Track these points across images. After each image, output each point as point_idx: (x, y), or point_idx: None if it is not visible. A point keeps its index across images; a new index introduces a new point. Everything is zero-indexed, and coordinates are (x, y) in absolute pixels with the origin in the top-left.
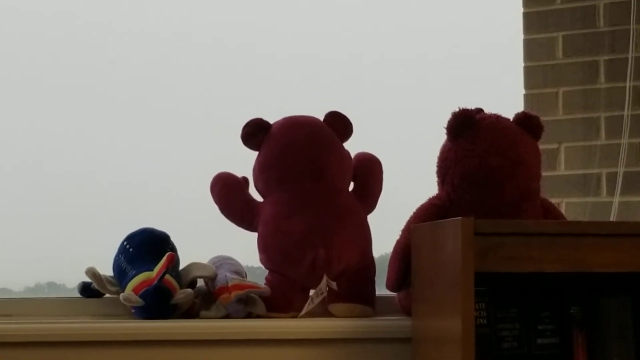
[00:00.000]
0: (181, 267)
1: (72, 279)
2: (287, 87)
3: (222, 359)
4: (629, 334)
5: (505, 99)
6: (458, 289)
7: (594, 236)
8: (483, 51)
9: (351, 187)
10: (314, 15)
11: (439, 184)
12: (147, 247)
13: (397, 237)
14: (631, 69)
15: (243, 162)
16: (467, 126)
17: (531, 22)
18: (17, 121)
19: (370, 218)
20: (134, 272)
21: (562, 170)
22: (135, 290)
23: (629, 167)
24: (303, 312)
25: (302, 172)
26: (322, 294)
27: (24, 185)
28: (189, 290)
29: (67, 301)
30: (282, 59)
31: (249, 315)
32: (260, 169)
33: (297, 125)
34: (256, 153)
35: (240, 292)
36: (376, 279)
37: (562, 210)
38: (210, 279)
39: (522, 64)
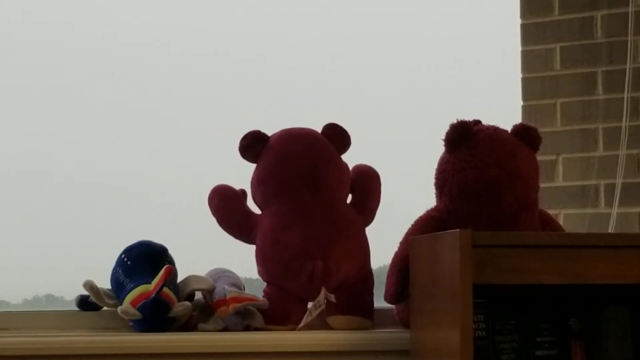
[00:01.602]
0: (179, 279)
1: (70, 291)
2: (285, 98)
3: None
4: (628, 345)
5: (503, 110)
6: (456, 301)
7: (592, 248)
8: (481, 62)
9: (349, 199)
10: (311, 24)
11: (437, 196)
12: (145, 260)
13: (396, 249)
14: (629, 80)
15: (241, 175)
16: (465, 138)
17: (529, 33)
18: (14, 132)
19: (369, 230)
20: (131, 285)
21: (560, 182)
22: (133, 303)
23: (627, 178)
24: (301, 324)
25: (300, 184)
26: (320, 306)
27: (21, 197)
28: (187, 303)
29: (64, 314)
30: (281, 69)
31: (247, 328)
32: (258, 181)
33: (295, 138)
34: (254, 165)
35: (238, 304)
36: (374, 291)
37: (560, 221)
38: (208, 292)
39: (520, 75)
